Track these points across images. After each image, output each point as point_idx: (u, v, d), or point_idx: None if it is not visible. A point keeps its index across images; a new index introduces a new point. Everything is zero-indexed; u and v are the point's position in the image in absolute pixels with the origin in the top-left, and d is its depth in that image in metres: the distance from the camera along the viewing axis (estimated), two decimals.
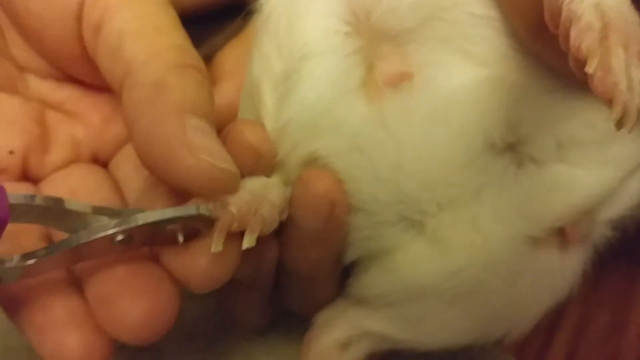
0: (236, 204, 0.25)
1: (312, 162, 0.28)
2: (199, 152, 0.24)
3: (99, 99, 0.30)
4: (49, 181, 0.29)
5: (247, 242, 0.25)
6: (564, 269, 0.29)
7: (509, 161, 0.28)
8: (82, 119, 0.30)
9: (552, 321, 0.40)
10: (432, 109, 0.27)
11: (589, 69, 0.20)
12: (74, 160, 0.30)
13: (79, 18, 0.27)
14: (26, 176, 0.29)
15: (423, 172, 0.27)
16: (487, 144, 0.27)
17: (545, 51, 0.25)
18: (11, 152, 0.28)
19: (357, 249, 0.29)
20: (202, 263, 0.24)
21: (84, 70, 0.29)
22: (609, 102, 0.19)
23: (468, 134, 0.27)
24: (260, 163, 0.28)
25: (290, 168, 0.29)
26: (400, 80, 0.27)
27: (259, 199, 0.26)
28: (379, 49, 0.28)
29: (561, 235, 0.29)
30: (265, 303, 0.32)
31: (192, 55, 0.27)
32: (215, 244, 0.24)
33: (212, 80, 0.34)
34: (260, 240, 0.26)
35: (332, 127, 0.28)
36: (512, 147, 0.28)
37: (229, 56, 0.36)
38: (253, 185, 0.27)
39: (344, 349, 0.30)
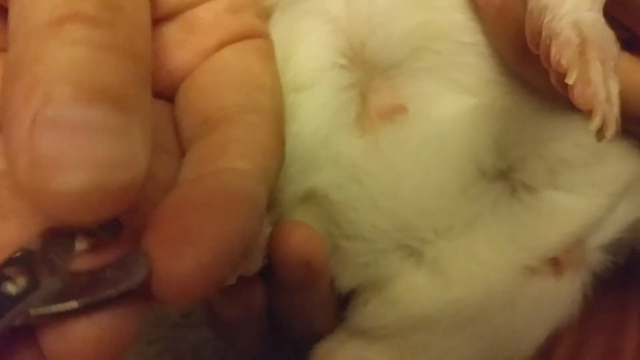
0: None
1: (310, 196, 0.29)
2: (45, 167, 0.17)
3: None
4: None
5: (227, 281, 0.24)
6: (560, 295, 0.30)
7: (502, 189, 0.29)
8: None
9: (547, 347, 0.40)
10: (424, 139, 0.28)
11: (569, 80, 0.20)
12: None
13: None
14: None
15: (419, 201, 0.28)
16: (478, 170, 0.28)
17: (530, 72, 0.26)
18: None
19: (356, 275, 0.30)
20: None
21: None
22: (589, 113, 0.20)
23: (459, 161, 0.28)
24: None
25: (287, 203, 0.29)
26: (394, 113, 0.28)
27: None
28: (371, 82, 0.28)
29: (555, 264, 0.29)
30: (262, 333, 0.32)
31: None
32: None
33: None
34: (247, 282, 0.26)
35: (328, 160, 0.28)
36: (503, 174, 0.29)
37: None
38: None
39: None
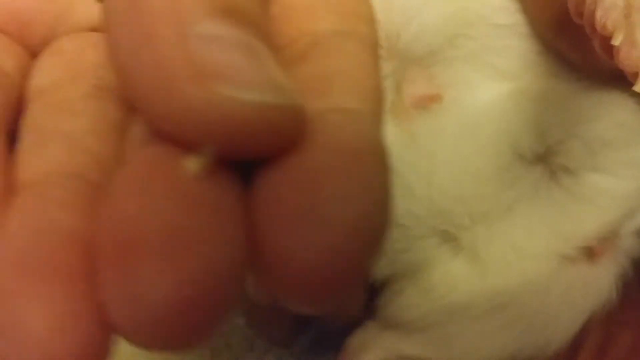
0: None
1: None
2: (211, 78, 0.15)
3: None
4: None
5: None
6: (594, 281, 0.29)
7: (541, 173, 0.29)
8: None
9: (574, 341, 0.40)
10: (460, 126, 0.28)
11: (616, 41, 0.20)
12: None
13: None
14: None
15: (455, 187, 0.28)
16: (516, 155, 0.28)
17: (568, 46, 0.26)
18: None
19: (391, 262, 0.29)
20: None
21: None
22: (634, 76, 0.20)
23: (497, 146, 0.28)
24: None
25: None
26: (429, 102, 0.28)
27: None
28: (406, 72, 0.28)
29: (589, 252, 0.29)
30: (292, 320, 0.32)
31: None
32: None
33: None
34: None
35: None
36: (542, 157, 0.28)
37: None
38: None
39: None
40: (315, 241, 0.14)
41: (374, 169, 0.16)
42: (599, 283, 0.30)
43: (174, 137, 0.15)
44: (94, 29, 0.22)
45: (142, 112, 0.16)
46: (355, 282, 0.15)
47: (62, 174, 0.17)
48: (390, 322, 0.31)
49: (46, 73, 0.20)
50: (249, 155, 0.15)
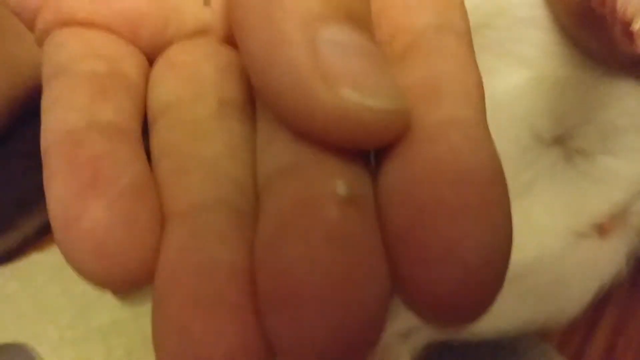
0: None
1: None
2: (339, 83, 0.15)
3: None
4: None
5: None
6: (606, 254, 0.31)
7: (558, 155, 0.30)
8: None
9: (592, 317, 0.42)
10: None
11: (635, 26, 0.22)
12: None
13: None
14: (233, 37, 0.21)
15: None
16: (535, 137, 0.30)
17: (586, 36, 0.28)
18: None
19: None
20: None
21: None
22: None
23: (516, 129, 0.29)
24: None
25: None
26: None
27: None
28: None
29: (600, 228, 0.31)
30: None
31: None
32: None
33: None
34: None
35: None
36: (559, 140, 0.30)
37: None
38: None
39: (404, 339, 0.32)
40: (450, 278, 0.14)
41: (502, 194, 0.16)
42: (609, 257, 0.31)
43: (303, 134, 0.16)
44: (201, 32, 0.22)
45: (274, 110, 0.16)
46: (490, 303, 0.15)
47: (209, 204, 0.17)
48: None
49: (167, 88, 0.20)
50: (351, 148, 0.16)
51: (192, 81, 0.20)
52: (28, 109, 0.41)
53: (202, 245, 0.16)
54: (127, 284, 0.16)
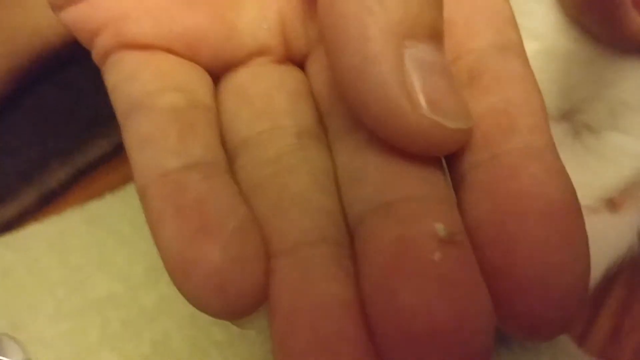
0: None
1: None
2: (421, 103, 0.16)
3: None
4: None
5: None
6: (616, 228, 0.30)
7: (566, 130, 0.30)
8: None
9: (598, 297, 0.41)
10: None
11: None
12: None
13: None
14: (290, 55, 0.22)
15: None
16: None
17: (593, 21, 0.27)
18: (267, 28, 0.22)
19: None
20: None
21: None
22: None
23: None
24: None
25: None
26: None
27: None
28: None
29: (611, 203, 0.30)
30: None
31: None
32: None
33: None
34: None
35: None
36: (567, 115, 0.29)
37: None
38: None
39: None
40: (545, 305, 0.16)
41: (581, 223, 0.17)
42: (620, 233, 0.30)
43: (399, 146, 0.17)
44: (260, 52, 0.22)
45: (362, 119, 0.17)
46: (575, 319, 0.16)
47: (311, 240, 0.18)
48: None
49: (243, 123, 0.21)
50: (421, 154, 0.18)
51: (268, 114, 0.21)
52: (27, 77, 0.41)
53: (314, 283, 0.17)
54: (242, 314, 0.17)
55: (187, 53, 0.21)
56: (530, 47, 0.28)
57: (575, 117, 0.30)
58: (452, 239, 0.16)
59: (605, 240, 0.30)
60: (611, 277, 0.37)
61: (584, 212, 0.29)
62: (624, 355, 0.41)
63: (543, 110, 0.18)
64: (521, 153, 0.17)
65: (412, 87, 0.16)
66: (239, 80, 0.22)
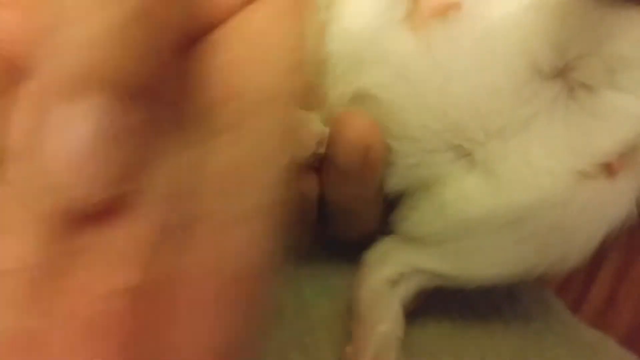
0: None
1: (359, 96, 0.29)
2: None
3: None
4: None
5: None
6: (613, 196, 0.29)
7: (559, 89, 0.28)
8: None
9: (592, 265, 0.40)
10: (477, 37, 0.27)
11: None
12: None
13: None
14: None
15: (470, 100, 0.28)
16: (534, 69, 0.28)
17: None
18: None
19: (405, 176, 0.30)
20: None
21: None
22: None
23: (514, 60, 0.27)
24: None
25: (333, 104, 0.29)
26: (447, 9, 0.28)
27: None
28: None
29: (608, 168, 0.29)
30: (311, 231, 0.32)
31: None
32: None
33: None
34: (301, 170, 0.27)
35: (377, 58, 0.28)
36: (561, 73, 0.28)
37: None
38: None
39: (394, 286, 0.31)
40: None
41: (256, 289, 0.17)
42: (618, 198, 0.29)
43: None
44: None
45: None
46: None
47: None
48: (406, 236, 0.31)
49: None
50: None
51: None
52: None
53: None
54: None
55: None
56: (522, 0, 0.27)
57: (570, 74, 0.28)
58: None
59: (602, 206, 0.29)
60: (606, 244, 0.36)
61: (578, 178, 0.28)
62: (619, 321, 0.40)
63: (278, 174, 0.17)
64: (232, 219, 0.16)
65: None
66: None
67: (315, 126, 0.28)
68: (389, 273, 0.31)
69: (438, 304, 0.33)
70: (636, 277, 0.41)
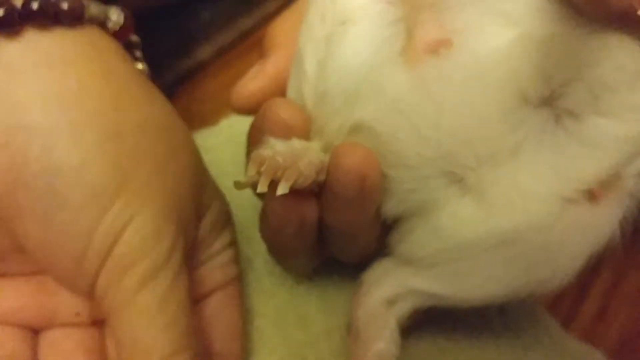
0: (281, 154, 0.28)
1: (356, 128, 0.30)
2: None
3: None
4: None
5: (281, 190, 0.27)
6: (596, 221, 0.30)
7: (546, 116, 0.30)
8: None
9: (585, 279, 0.41)
10: (468, 71, 0.29)
11: None
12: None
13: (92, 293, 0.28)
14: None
15: (462, 129, 0.29)
16: (522, 99, 0.29)
17: None
18: (77, 314, 0.30)
19: (401, 201, 0.31)
20: None
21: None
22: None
23: (502, 90, 0.29)
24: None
25: (332, 135, 0.30)
26: (439, 46, 0.29)
27: (299, 154, 0.28)
28: (418, 17, 0.29)
29: (590, 194, 0.30)
30: (311, 252, 0.34)
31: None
32: (261, 185, 0.27)
33: (264, 51, 0.36)
34: (300, 195, 0.28)
35: (373, 92, 0.29)
36: (547, 101, 0.29)
37: (281, 28, 0.37)
38: (295, 144, 0.29)
39: (390, 306, 0.32)
40: None
41: None
42: (600, 224, 0.30)
43: None
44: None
45: None
46: None
47: None
48: (403, 258, 0.32)
49: None
50: None
51: None
52: None
53: None
54: None
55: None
56: (512, 33, 0.28)
57: (556, 102, 0.29)
58: None
59: (585, 230, 0.30)
60: (597, 261, 0.37)
61: (563, 203, 0.30)
62: (609, 336, 0.41)
63: None
64: None
65: None
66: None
67: (315, 155, 0.29)
68: (386, 294, 0.32)
69: (432, 318, 0.34)
70: (626, 294, 0.42)
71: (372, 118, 0.30)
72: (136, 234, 0.27)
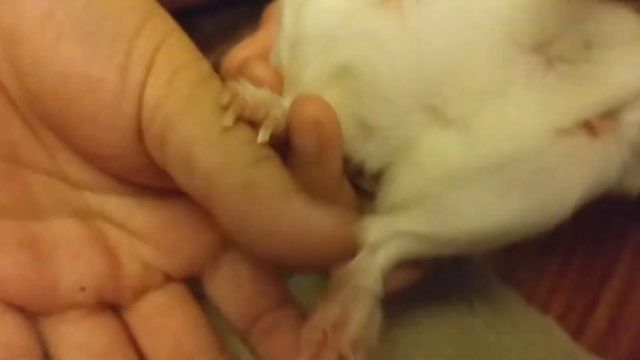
0: (252, 96, 0.27)
1: (335, 74, 0.29)
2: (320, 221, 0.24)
3: (160, 208, 0.30)
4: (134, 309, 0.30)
5: (262, 137, 0.26)
6: (594, 154, 0.29)
7: (538, 61, 0.29)
8: (148, 240, 0.30)
9: (594, 289, 0.39)
10: (455, 13, 0.28)
11: None
12: (148, 284, 0.30)
13: (139, 133, 0.26)
14: (104, 306, 0.29)
15: (444, 62, 0.28)
16: (514, 42, 0.28)
17: None
18: (82, 289, 0.28)
19: (381, 141, 0.30)
20: None
21: (150, 179, 0.28)
22: None
23: (492, 27, 0.28)
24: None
25: (307, 85, 0.30)
26: None
27: (270, 102, 0.27)
28: None
29: (589, 127, 0.29)
30: None
31: (264, 148, 0.26)
32: (227, 118, 0.25)
33: (260, 25, 0.36)
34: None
35: (350, 35, 0.29)
36: (540, 48, 0.28)
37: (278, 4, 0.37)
38: (267, 93, 0.28)
39: (374, 251, 0.30)
40: None
41: None
42: (598, 157, 0.29)
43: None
44: (75, 306, 0.29)
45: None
46: None
47: None
48: (389, 207, 0.31)
49: None
50: None
51: None
52: None
53: None
54: None
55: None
56: None
57: (548, 49, 0.29)
58: None
59: (582, 160, 0.29)
60: (607, 270, 0.35)
61: (556, 134, 0.28)
62: (620, 348, 0.38)
63: None
64: None
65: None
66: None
67: (282, 109, 0.28)
68: (369, 239, 0.30)
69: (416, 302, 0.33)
70: (638, 304, 0.39)
71: (350, 59, 0.29)
72: (176, 44, 0.26)
